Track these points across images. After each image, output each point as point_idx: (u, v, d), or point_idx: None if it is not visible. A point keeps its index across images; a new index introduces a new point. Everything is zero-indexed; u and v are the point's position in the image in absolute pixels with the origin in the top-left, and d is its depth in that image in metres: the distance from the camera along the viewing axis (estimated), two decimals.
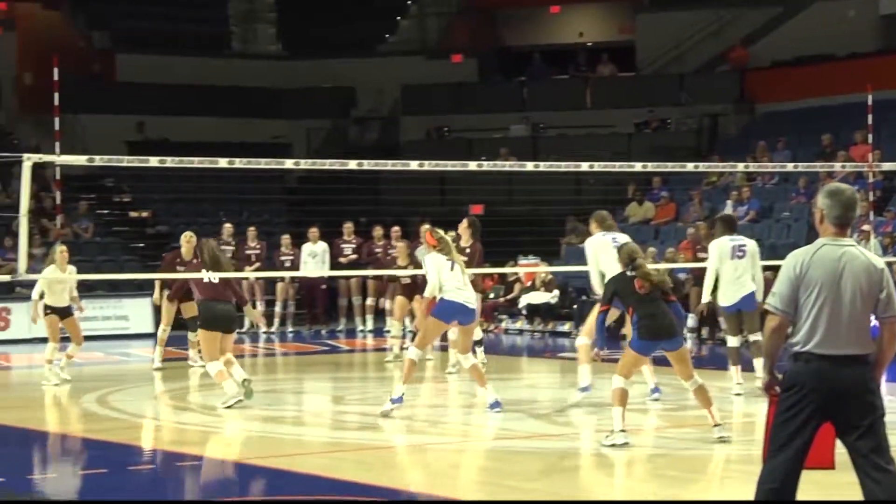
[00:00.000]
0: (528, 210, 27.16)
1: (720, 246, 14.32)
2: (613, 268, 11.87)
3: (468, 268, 13.28)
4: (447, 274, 12.33)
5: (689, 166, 18.76)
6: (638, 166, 17.19)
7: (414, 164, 15.63)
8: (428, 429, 12.49)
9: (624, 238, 12.35)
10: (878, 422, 6.42)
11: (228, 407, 12.95)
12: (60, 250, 15.40)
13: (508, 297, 23.94)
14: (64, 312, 15.67)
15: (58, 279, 15.32)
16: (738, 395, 13.70)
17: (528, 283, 23.76)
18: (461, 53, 33.79)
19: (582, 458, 11.08)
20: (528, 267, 23.68)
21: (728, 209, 24.97)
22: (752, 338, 14.14)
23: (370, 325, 23.11)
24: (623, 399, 10.71)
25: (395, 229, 22.38)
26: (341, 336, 22.71)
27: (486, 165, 17.67)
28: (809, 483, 6.74)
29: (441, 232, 12.69)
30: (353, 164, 15.54)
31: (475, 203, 26.36)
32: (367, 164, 15.79)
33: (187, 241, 16.50)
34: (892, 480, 6.35)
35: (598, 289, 12.53)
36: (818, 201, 6.58)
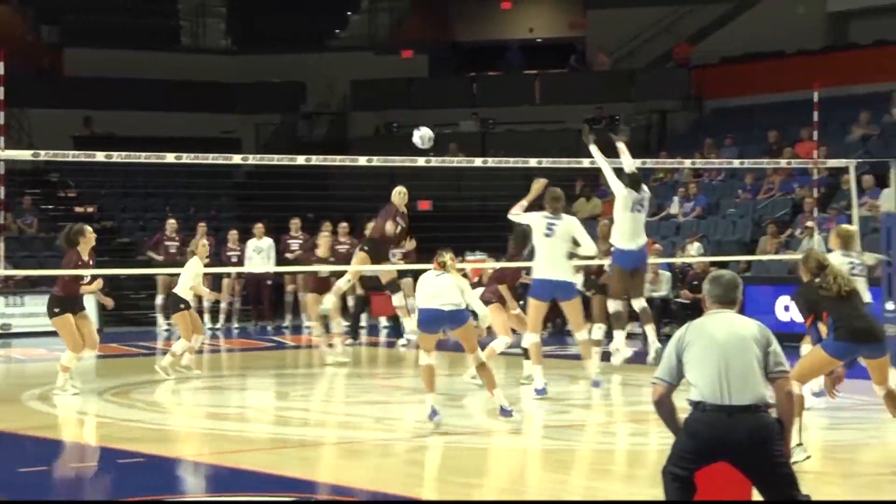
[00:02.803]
0: (476, 206, 27.17)
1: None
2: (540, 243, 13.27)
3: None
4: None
5: (637, 162, 18.77)
6: (586, 162, 17.15)
7: (363, 160, 15.61)
8: (373, 425, 12.46)
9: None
10: (779, 474, 6.50)
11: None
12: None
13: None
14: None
15: None
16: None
17: (476, 279, 23.71)
18: (411, 49, 33.74)
19: (528, 454, 11.08)
20: (475, 263, 23.63)
21: (675, 205, 25.10)
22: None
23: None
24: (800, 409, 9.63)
25: (344, 225, 22.31)
26: (287, 332, 22.63)
27: (435, 161, 17.66)
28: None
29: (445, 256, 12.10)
30: (301, 160, 15.49)
31: (424, 199, 26.36)
32: (316, 160, 15.74)
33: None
34: None
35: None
36: (704, 287, 6.92)
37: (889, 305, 15.95)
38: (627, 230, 14.38)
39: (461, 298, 11.79)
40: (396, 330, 20.02)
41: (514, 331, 14.61)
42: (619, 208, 14.47)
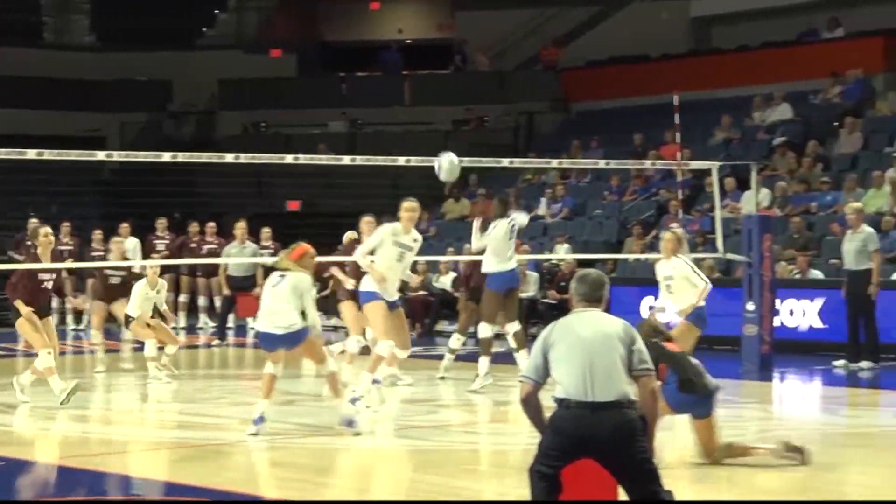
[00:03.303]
0: (345, 205, 27.13)
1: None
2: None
3: None
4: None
5: (505, 162, 18.94)
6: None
7: (230, 158, 15.46)
8: (238, 426, 12.37)
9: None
10: (642, 470, 6.57)
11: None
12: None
13: (323, 293, 23.81)
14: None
15: None
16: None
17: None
18: (280, 48, 33.58)
19: (390, 454, 11.09)
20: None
21: (543, 207, 25.33)
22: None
23: (182, 321, 22.79)
24: None
25: (211, 225, 22.14)
26: None
27: (304, 159, 17.54)
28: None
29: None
30: (167, 157, 15.27)
31: (292, 198, 26.27)
32: (182, 157, 15.52)
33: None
34: None
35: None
36: (571, 286, 7.03)
37: (750, 306, 16.27)
38: (500, 253, 14.44)
39: (295, 312, 11.19)
40: None
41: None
42: (497, 235, 14.47)
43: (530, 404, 6.79)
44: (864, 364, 16.53)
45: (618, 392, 6.60)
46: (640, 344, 6.77)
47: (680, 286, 12.78)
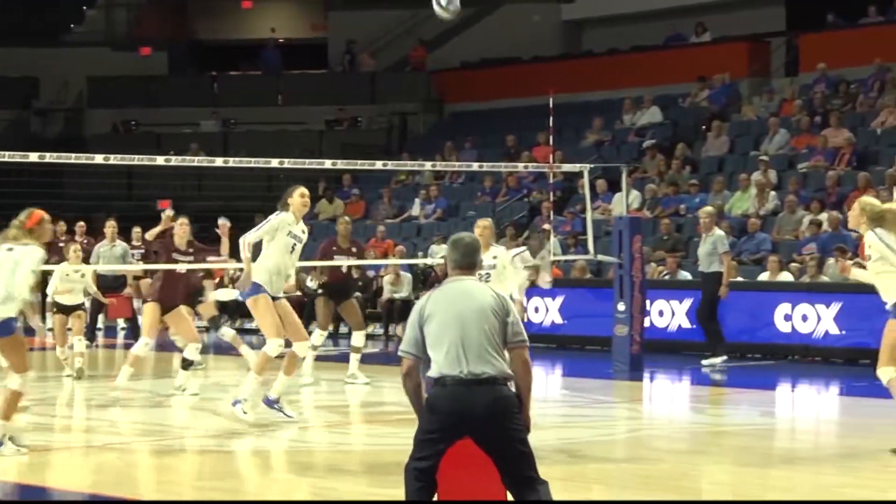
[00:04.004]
0: (217, 206, 26.84)
1: None
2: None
3: None
4: None
5: (379, 164, 18.95)
6: (328, 163, 17.23)
7: (99, 158, 15.21)
8: (108, 429, 12.20)
9: None
10: (517, 450, 6.57)
11: None
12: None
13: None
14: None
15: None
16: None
17: (217, 280, 23.45)
18: (150, 46, 33.15)
19: (272, 456, 11.03)
20: (216, 263, 23.36)
21: (416, 207, 25.39)
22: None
23: (49, 322, 22.37)
24: None
25: (80, 225, 21.76)
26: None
27: (175, 160, 17.36)
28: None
29: None
30: (34, 157, 14.98)
31: (163, 198, 25.88)
32: (50, 157, 15.24)
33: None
34: None
35: None
36: (446, 251, 6.90)
37: (620, 307, 16.47)
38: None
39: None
40: (133, 331, 19.61)
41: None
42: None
43: (412, 377, 6.71)
44: (716, 361, 16.87)
45: (492, 366, 6.56)
46: (514, 316, 6.71)
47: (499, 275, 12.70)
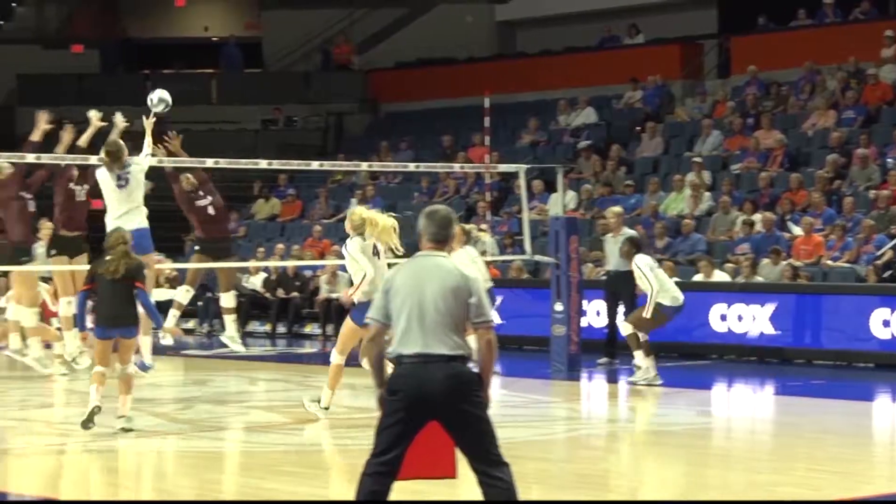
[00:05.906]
0: (151, 206, 26.62)
1: None
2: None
3: None
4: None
5: (315, 164, 18.91)
6: (264, 163, 17.19)
7: (31, 158, 15.09)
8: (44, 429, 12.11)
9: None
10: (480, 428, 6.59)
11: None
12: None
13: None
14: None
15: None
16: None
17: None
18: (82, 44, 32.83)
19: (199, 456, 10.98)
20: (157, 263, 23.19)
21: (352, 207, 25.33)
22: None
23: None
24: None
25: None
26: None
27: None
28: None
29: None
30: None
31: (95, 198, 25.63)
32: None
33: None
34: (502, 487, 6.57)
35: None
36: (419, 222, 6.87)
37: (558, 307, 16.53)
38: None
39: None
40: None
41: None
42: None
43: (377, 343, 6.72)
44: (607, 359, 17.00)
45: (447, 346, 6.57)
46: (480, 295, 6.70)
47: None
